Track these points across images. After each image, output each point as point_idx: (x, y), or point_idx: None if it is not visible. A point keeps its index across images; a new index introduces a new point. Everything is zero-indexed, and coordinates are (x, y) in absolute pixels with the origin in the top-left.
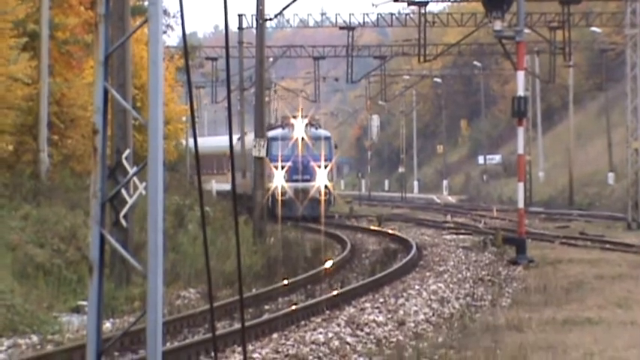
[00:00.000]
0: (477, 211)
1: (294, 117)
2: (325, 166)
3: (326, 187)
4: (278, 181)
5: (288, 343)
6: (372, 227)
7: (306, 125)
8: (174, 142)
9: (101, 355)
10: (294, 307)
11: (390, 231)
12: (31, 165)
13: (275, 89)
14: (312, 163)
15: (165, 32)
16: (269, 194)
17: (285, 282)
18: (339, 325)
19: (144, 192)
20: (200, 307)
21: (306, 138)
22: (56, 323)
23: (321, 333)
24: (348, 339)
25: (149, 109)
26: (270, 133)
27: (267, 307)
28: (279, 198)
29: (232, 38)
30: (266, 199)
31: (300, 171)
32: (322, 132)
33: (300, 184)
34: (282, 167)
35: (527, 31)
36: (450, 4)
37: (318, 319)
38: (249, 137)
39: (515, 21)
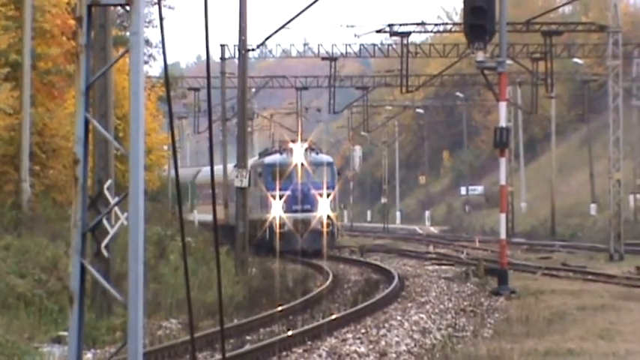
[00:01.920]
0: (459, 242)
1: (293, 141)
2: (328, 195)
3: (328, 217)
4: (276, 211)
5: None
6: (354, 257)
7: (306, 150)
8: (157, 172)
9: None
10: (274, 339)
11: (373, 261)
12: (12, 195)
13: (271, 116)
14: (313, 192)
15: (147, 62)
16: (266, 226)
17: (280, 308)
18: (320, 355)
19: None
20: (181, 337)
21: (305, 164)
22: (37, 354)
23: None
24: None
25: (130, 139)
26: (267, 159)
27: (248, 337)
28: (277, 230)
29: (214, 68)
30: (263, 232)
31: (300, 200)
32: (324, 157)
33: (300, 215)
34: (281, 197)
35: (509, 62)
36: (432, 34)
37: (300, 350)
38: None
39: (497, 52)
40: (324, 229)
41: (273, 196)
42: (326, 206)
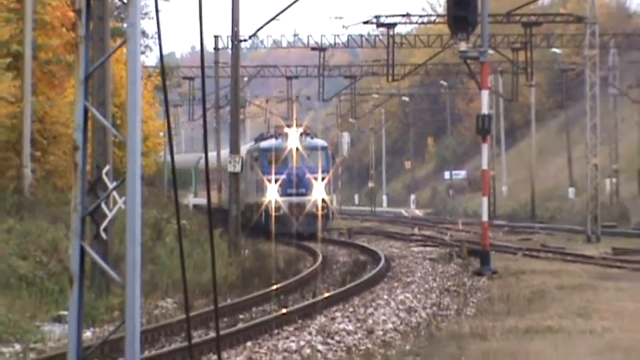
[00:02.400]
0: (443, 224)
1: (288, 126)
2: (322, 179)
3: (323, 201)
4: (271, 195)
5: (262, 351)
6: (342, 239)
7: (301, 134)
8: (153, 157)
9: None
10: (267, 317)
11: (360, 243)
12: (14, 180)
13: (267, 101)
14: (308, 176)
15: (143, 52)
16: (262, 209)
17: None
18: (310, 333)
19: (123, 206)
20: (177, 316)
21: (300, 148)
22: (39, 332)
23: (293, 341)
24: (320, 347)
25: (128, 126)
26: (263, 144)
27: (241, 316)
28: (273, 214)
29: (208, 58)
30: (259, 215)
31: (295, 184)
32: (318, 141)
33: (295, 199)
34: (276, 180)
35: (491, 51)
36: (417, 26)
37: (291, 328)
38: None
39: (479, 42)
40: (319, 212)
41: (269, 180)
42: (321, 190)
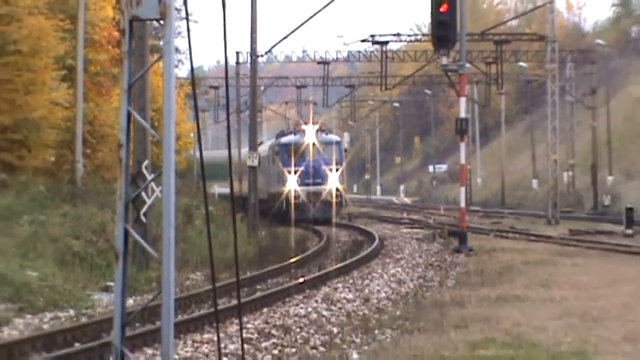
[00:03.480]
0: (427, 210)
1: (306, 123)
2: (336, 170)
3: (337, 189)
4: (291, 185)
5: (276, 315)
6: (343, 222)
7: (317, 131)
8: (184, 155)
9: (125, 325)
10: (280, 287)
11: (358, 225)
12: (69, 173)
13: (287, 103)
14: (324, 167)
15: (176, 66)
16: (282, 198)
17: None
18: (316, 301)
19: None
20: (204, 287)
21: (317, 143)
22: (89, 300)
23: (302, 308)
24: (324, 312)
25: (164, 127)
26: (283, 140)
27: (258, 286)
28: (292, 201)
29: (231, 70)
30: (279, 203)
31: (312, 175)
32: (333, 137)
33: (312, 188)
34: (295, 172)
35: (467, 65)
36: (406, 43)
37: (300, 297)
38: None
39: (458, 57)
40: (334, 200)
41: (289, 172)
42: (335, 180)
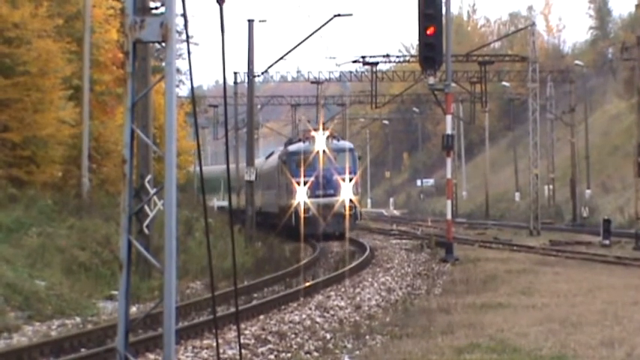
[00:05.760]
0: (415, 222)
1: (315, 130)
2: (350, 179)
3: (351, 201)
4: (300, 197)
5: (272, 322)
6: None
7: (328, 137)
8: (184, 170)
9: (128, 332)
10: (276, 296)
11: (350, 236)
12: (75, 187)
13: (295, 108)
14: (336, 177)
15: (177, 86)
16: (291, 211)
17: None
18: (310, 308)
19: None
20: (204, 295)
21: (327, 151)
22: (94, 308)
23: (297, 315)
24: (318, 319)
25: (165, 144)
26: (291, 148)
27: (255, 295)
28: (302, 215)
29: (230, 90)
30: (288, 216)
31: (323, 185)
32: (345, 143)
33: (323, 200)
34: (305, 182)
35: (453, 84)
36: (395, 64)
37: (295, 304)
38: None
39: (444, 77)
40: (347, 212)
41: (298, 183)
42: (348, 190)
